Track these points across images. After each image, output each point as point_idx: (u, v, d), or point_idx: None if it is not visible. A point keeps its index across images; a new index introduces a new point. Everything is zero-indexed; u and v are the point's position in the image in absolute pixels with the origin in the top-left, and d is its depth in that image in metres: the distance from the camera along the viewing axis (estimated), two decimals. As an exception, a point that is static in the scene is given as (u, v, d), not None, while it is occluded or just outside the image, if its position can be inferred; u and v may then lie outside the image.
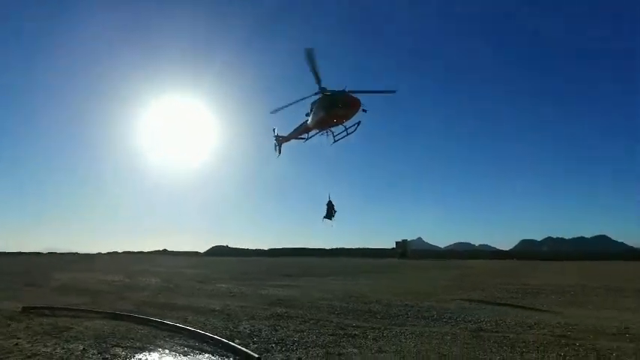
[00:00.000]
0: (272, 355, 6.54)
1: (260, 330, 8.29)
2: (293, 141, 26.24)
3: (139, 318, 9.14)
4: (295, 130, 26.83)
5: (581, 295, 14.55)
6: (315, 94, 22.62)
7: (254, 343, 7.27)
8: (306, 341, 7.35)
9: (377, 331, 8.29)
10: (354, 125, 22.67)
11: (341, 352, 6.66)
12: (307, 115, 24.74)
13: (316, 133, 24.59)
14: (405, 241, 67.09)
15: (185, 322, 9.00)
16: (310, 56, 20.38)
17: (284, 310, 10.87)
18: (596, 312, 10.78)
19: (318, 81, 21.70)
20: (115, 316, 9.41)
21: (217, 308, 11.07)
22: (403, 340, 7.42)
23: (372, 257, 64.50)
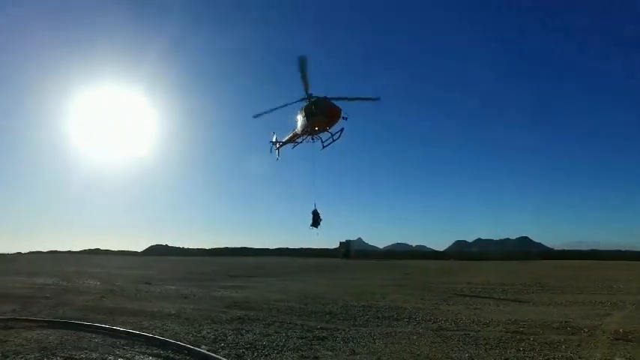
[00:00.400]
0: (247, 361, 6.31)
1: (225, 334, 7.94)
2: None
3: (89, 325, 8.35)
4: (288, 136, 27.22)
5: (519, 292, 15.75)
6: (301, 99, 23.16)
7: (222, 348, 6.94)
8: (277, 345, 7.18)
9: (343, 332, 8.32)
10: (338, 132, 23.40)
11: (316, 355, 6.58)
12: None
13: (305, 139, 25.26)
14: (348, 241, 68.45)
15: (142, 328, 8.39)
16: (303, 64, 20.68)
17: (243, 313, 10.54)
18: (536, 308, 11.73)
19: (306, 88, 22.13)
20: (60, 325, 8.49)
21: (173, 312, 10.46)
22: (372, 342, 7.51)
23: (315, 257, 64.91)
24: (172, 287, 16.78)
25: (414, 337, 7.82)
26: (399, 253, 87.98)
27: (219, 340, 7.51)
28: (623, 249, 60.46)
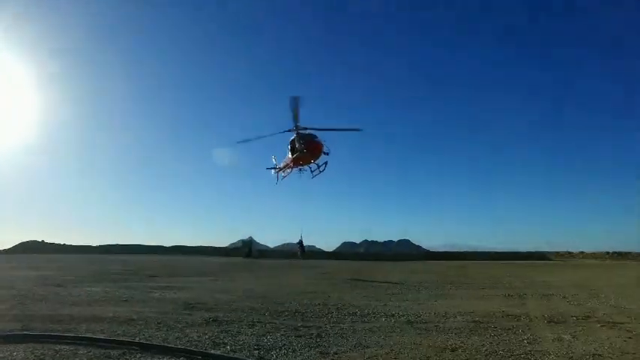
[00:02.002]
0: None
1: (220, 337, 7.77)
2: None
3: (60, 336, 7.33)
4: (283, 162, 29.18)
5: (440, 288, 17.85)
6: (288, 130, 25.11)
7: (233, 351, 6.86)
8: (285, 344, 7.32)
9: (329, 329, 8.76)
10: (323, 164, 25.88)
11: (329, 351, 6.94)
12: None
13: (293, 169, 27.66)
14: (251, 240, 68.00)
15: (120, 335, 7.68)
16: (295, 103, 22.97)
17: (211, 315, 10.20)
18: (467, 301, 13.57)
19: (295, 121, 24.36)
20: (17, 338, 7.22)
21: (134, 317, 9.61)
22: (367, 336, 8.12)
23: (212, 255, 62.92)
24: (96, 289, 15.04)
25: (398, 331, 8.66)
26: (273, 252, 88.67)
27: (222, 343, 7.34)
28: (486, 250, 71.65)
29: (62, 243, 75.68)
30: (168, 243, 73.30)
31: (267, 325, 9.16)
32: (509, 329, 8.66)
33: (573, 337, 7.78)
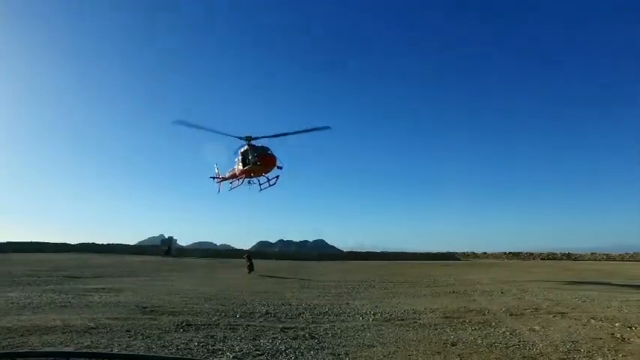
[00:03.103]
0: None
1: (209, 343, 7.14)
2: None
3: (25, 352, 6.09)
4: (230, 172, 28.52)
5: (385, 287, 18.47)
6: (242, 138, 24.96)
7: (238, 359, 6.35)
8: (287, 347, 6.99)
9: (315, 329, 8.61)
10: (274, 178, 25.25)
11: (339, 351, 6.78)
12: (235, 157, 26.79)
13: (242, 181, 26.57)
14: (170, 239, 63.72)
15: (95, 348, 6.64)
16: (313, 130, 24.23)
17: (178, 319, 9.34)
18: (423, 299, 14.21)
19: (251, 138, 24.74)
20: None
21: (92, 325, 8.35)
22: (360, 334, 8.11)
23: (125, 253, 57.81)
24: (13, 294, 12.80)
25: (383, 328, 8.79)
26: (211, 251, 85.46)
27: (218, 351, 6.75)
28: (397, 251, 75.98)
29: None
30: (73, 240, 65.24)
31: (249, 327, 8.67)
32: (483, 323, 9.31)
33: (543, 328, 8.61)
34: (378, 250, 73.96)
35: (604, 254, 56.74)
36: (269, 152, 24.64)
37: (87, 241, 65.20)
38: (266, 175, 25.48)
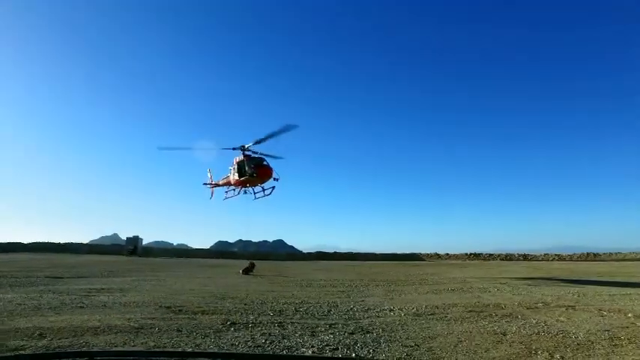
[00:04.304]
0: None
1: (276, 341, 7.14)
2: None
3: (106, 351, 5.80)
4: (223, 179, 28.47)
5: (380, 286, 18.88)
6: (234, 149, 25.03)
7: (322, 351, 6.42)
8: (354, 342, 7.12)
9: (357, 323, 8.82)
10: (270, 188, 25.39)
11: (408, 344, 6.99)
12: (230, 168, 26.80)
13: (238, 191, 26.60)
14: (136, 238, 60.77)
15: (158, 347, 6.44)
16: (283, 130, 23.00)
17: (221, 318, 9.19)
18: (433, 296, 14.68)
19: (257, 143, 24.22)
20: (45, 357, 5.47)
21: (134, 325, 8.05)
22: (411, 327, 8.37)
23: (81, 253, 54.69)
24: (8, 296, 11.88)
25: (423, 322, 9.13)
26: (171, 250, 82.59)
27: (297, 346, 6.77)
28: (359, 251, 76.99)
29: None
30: (25, 240, 60.53)
31: (295, 324, 8.71)
32: (509, 315, 9.95)
33: (567, 319, 9.36)
34: (342, 251, 74.73)
35: (555, 255, 61.02)
36: (265, 163, 24.65)
37: (40, 240, 60.70)
38: (261, 186, 25.49)
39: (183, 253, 68.51)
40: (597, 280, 20.93)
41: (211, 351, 5.99)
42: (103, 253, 59.09)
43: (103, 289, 14.21)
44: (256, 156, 24.91)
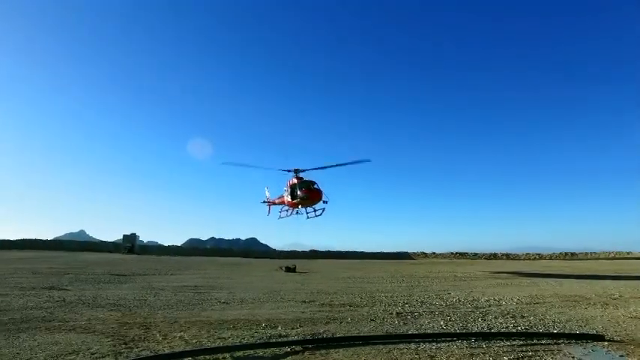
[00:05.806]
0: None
1: (415, 323, 8.65)
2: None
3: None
4: (278, 198, 31.05)
5: (433, 282, 20.20)
6: (288, 171, 27.48)
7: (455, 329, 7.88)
8: (460, 326, 8.70)
9: (441, 314, 10.30)
10: (320, 210, 27.22)
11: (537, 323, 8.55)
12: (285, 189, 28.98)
13: (291, 212, 28.94)
14: (134, 235, 59.69)
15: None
16: (353, 162, 25.75)
17: (353, 311, 10.39)
18: (483, 290, 16.09)
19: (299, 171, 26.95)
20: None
21: (304, 316, 9.32)
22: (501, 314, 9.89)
23: (82, 251, 53.47)
24: (122, 292, 12.70)
25: (537, 308, 10.68)
26: (154, 248, 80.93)
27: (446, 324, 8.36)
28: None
29: None
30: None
31: (457, 313, 10.16)
32: (564, 304, 11.81)
33: (615, 308, 11.21)
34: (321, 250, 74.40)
35: (536, 254, 65.06)
36: (315, 187, 26.69)
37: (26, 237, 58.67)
38: (313, 207, 27.27)
39: (174, 251, 67.54)
40: (601, 275, 23.53)
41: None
42: (94, 250, 57.62)
43: (185, 286, 15.04)
44: (307, 179, 26.86)
